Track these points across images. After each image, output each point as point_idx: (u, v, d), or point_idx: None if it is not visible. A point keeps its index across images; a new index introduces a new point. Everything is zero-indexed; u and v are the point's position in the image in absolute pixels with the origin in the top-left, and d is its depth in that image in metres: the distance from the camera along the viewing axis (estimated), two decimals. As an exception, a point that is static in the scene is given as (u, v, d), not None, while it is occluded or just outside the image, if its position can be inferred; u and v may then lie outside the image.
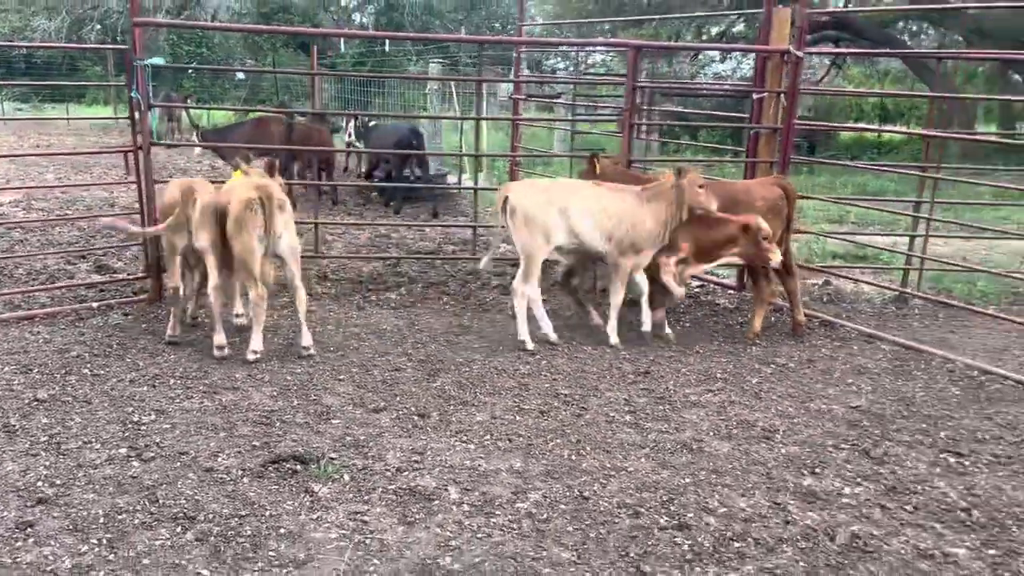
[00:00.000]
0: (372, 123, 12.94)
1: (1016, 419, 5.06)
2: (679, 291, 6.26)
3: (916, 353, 6.24)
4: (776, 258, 6.06)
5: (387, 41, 22.87)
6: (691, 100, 19.84)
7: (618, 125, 7.88)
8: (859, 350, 6.35)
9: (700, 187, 6.00)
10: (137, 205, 7.13)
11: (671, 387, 5.45)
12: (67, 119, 23.34)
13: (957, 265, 7.98)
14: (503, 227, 6.12)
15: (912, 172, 7.80)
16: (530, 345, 5.99)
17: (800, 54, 6.91)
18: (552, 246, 5.98)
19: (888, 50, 16.70)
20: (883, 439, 4.73)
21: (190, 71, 32.87)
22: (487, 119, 12.25)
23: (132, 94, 6.65)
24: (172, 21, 12.64)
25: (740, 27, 21.18)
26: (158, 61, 24.20)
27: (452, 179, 13.64)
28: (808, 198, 8.57)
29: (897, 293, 7.59)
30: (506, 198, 5.99)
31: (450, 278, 8.07)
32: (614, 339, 6.17)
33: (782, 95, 7.08)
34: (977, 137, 15.03)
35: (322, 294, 7.43)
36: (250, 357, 5.61)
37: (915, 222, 7.69)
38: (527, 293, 6.01)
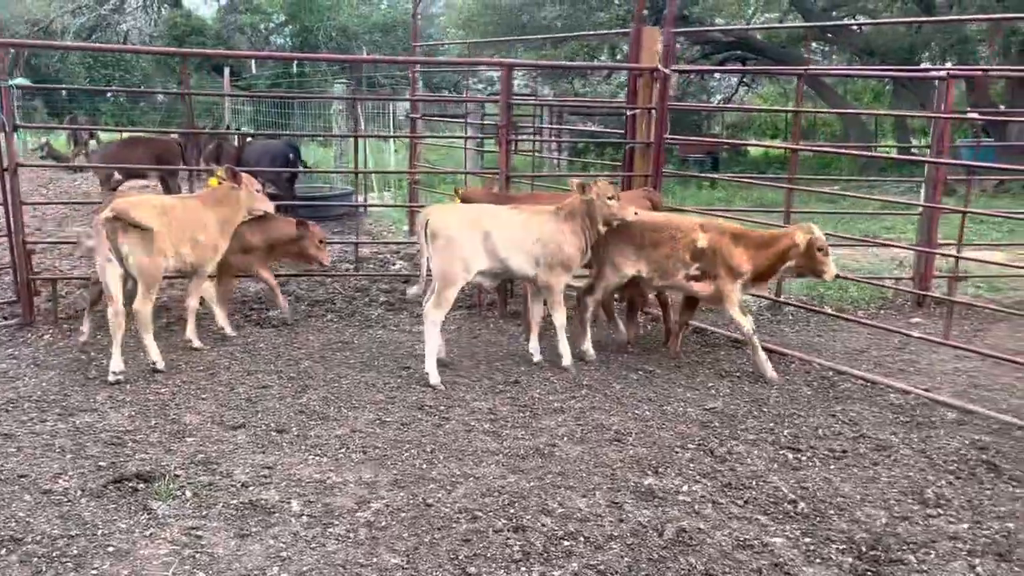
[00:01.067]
0: (248, 140, 12.80)
1: (859, 415, 5.31)
2: (747, 324, 5.93)
3: (779, 356, 6.49)
4: (833, 271, 5.87)
5: (295, 63, 22.75)
6: (609, 119, 20.46)
7: (495, 142, 8.03)
8: (725, 355, 6.57)
9: (611, 198, 5.92)
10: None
11: (536, 396, 5.55)
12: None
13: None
14: (424, 251, 5.76)
15: (778, 185, 8.11)
16: (435, 379, 5.63)
17: (667, 72, 7.16)
18: (472, 273, 5.78)
19: (756, 67, 17.45)
20: (729, 438, 4.91)
21: (109, 95, 32.23)
22: (365, 136, 12.23)
23: (-4, 115, 6.52)
24: (35, 42, 12.41)
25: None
26: (23, 82, 23.64)
27: (359, 198, 13.62)
28: (680, 210, 8.86)
29: (771, 301, 7.87)
30: (427, 222, 5.75)
31: (338, 295, 8.07)
32: (567, 360, 6.03)
33: (652, 111, 7.32)
34: (839, 151, 15.79)
35: (203, 314, 7.34)
36: (111, 379, 5.52)
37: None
38: (438, 321, 5.73)
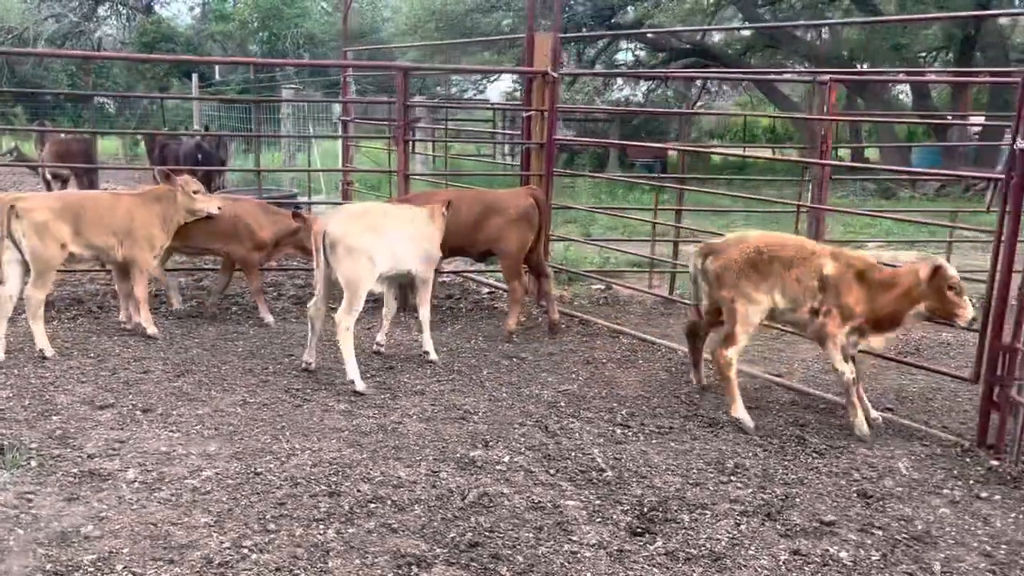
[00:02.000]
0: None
1: (701, 397, 5.63)
2: (847, 371, 5.04)
3: (649, 345, 6.82)
4: (968, 314, 4.86)
5: (255, 68, 23.18)
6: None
7: (392, 142, 8.34)
8: (601, 344, 6.89)
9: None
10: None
11: (404, 380, 5.86)
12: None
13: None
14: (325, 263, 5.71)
15: (671, 186, 8.48)
16: (360, 386, 5.55)
17: (556, 75, 7.50)
18: (378, 272, 5.79)
19: (646, 71, 18.14)
20: (568, 416, 5.23)
21: (97, 100, 32.51)
22: (285, 137, 12.55)
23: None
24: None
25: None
26: None
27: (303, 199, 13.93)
28: (564, 207, 9.23)
29: (664, 297, 8.20)
30: (324, 233, 5.65)
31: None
32: (432, 356, 6.19)
33: (544, 113, 7.66)
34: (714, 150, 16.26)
35: (113, 306, 7.63)
36: None
37: (676, 231, 8.38)
38: (351, 327, 5.65)
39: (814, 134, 21.17)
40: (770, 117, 17.92)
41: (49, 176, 11.84)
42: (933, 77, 17.54)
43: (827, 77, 7.97)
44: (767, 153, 21.75)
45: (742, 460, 4.62)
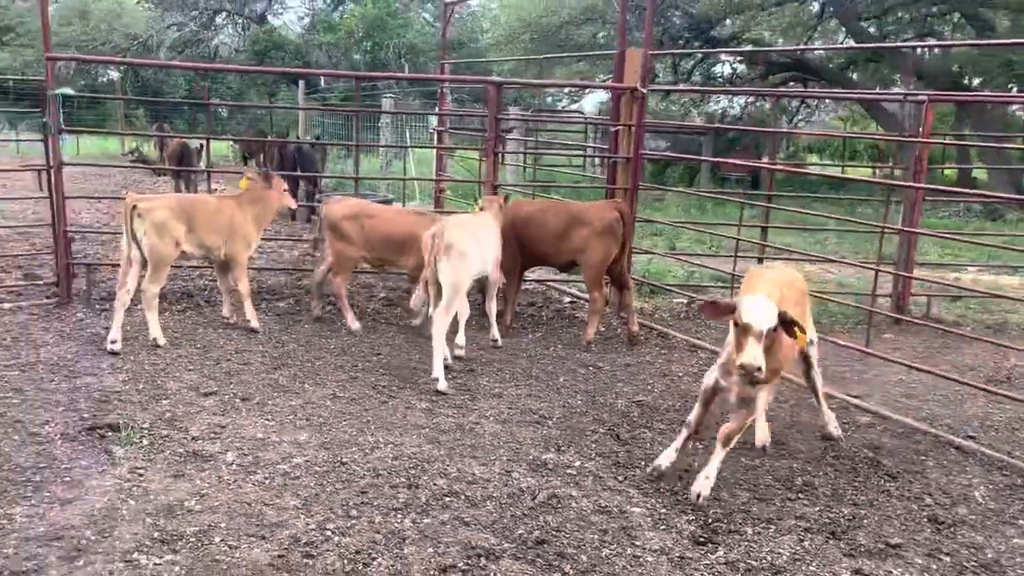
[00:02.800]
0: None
1: (775, 415, 5.66)
2: None
3: (728, 361, 6.85)
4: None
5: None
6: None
7: (482, 153, 8.61)
8: (678, 357, 6.98)
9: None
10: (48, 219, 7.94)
11: (484, 383, 6.10)
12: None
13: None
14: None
15: (755, 203, 8.43)
16: (443, 385, 5.82)
17: (644, 91, 7.63)
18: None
19: (737, 88, 17.89)
20: (641, 427, 5.36)
21: (214, 107, 34.37)
22: (382, 146, 13.01)
23: (44, 120, 7.49)
24: (81, 56, 13.76)
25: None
26: (67, 91, 25.64)
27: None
28: (648, 221, 9.31)
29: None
30: (440, 238, 6.05)
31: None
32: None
33: (632, 128, 7.80)
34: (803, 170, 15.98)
35: (219, 301, 8.16)
36: (108, 348, 6.35)
37: (761, 248, 8.36)
38: (447, 326, 6.03)
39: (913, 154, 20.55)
40: (861, 137, 17.45)
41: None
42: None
43: (923, 97, 7.85)
44: (867, 171, 21.22)
45: (811, 479, 4.65)
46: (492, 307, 7.02)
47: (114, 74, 36.22)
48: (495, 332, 7.00)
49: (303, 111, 21.70)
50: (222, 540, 3.77)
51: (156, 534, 3.79)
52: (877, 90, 15.15)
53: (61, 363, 6.12)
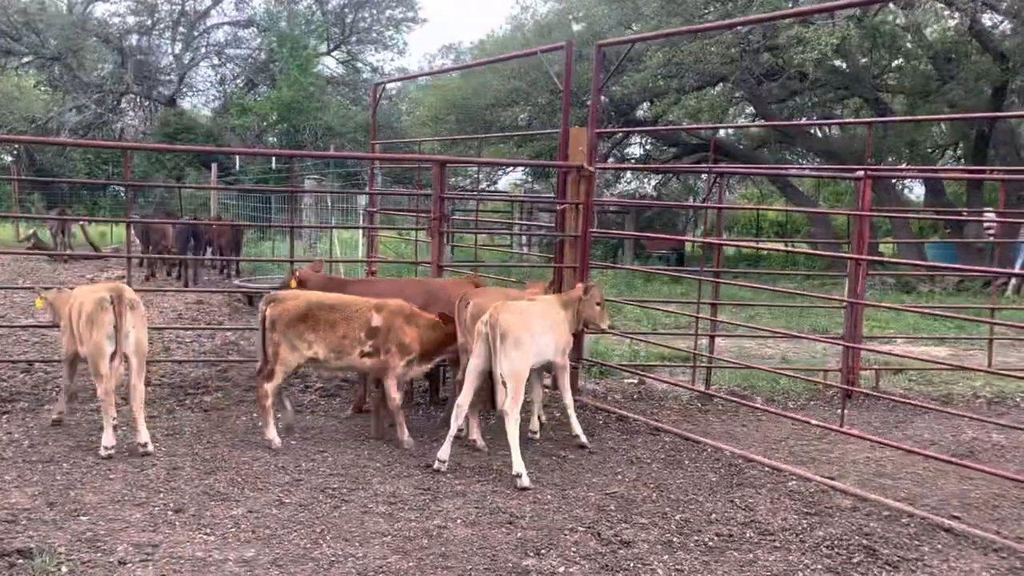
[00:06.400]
0: None
1: (755, 502, 5.37)
2: None
3: (693, 444, 6.59)
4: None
5: (273, 160, 23.68)
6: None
7: (427, 233, 8.32)
8: (642, 442, 6.66)
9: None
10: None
11: (442, 480, 5.62)
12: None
13: (731, 363, 8.75)
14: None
15: (702, 278, 8.36)
16: (525, 481, 5.47)
17: (591, 169, 7.52)
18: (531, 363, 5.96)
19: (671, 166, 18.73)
20: (621, 522, 4.97)
21: (111, 189, 33.03)
22: (301, 227, 12.61)
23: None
24: (12, 136, 13.12)
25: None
26: None
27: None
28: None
29: (701, 392, 8.00)
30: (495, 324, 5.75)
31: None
32: (582, 439, 6.36)
33: (579, 206, 7.64)
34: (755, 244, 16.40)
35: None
36: (102, 453, 5.75)
37: (712, 324, 8.25)
38: (518, 418, 5.73)
39: (829, 228, 21.41)
40: (801, 212, 18.06)
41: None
42: (961, 175, 17.71)
43: (860, 172, 7.99)
44: (781, 246, 21.85)
45: (810, 573, 4.35)
46: (568, 400, 6.41)
47: (7, 157, 34.61)
48: (577, 429, 6.37)
49: (214, 192, 21.06)
50: None
51: None
52: (813, 168, 15.72)
53: (-39, 476, 5.35)
